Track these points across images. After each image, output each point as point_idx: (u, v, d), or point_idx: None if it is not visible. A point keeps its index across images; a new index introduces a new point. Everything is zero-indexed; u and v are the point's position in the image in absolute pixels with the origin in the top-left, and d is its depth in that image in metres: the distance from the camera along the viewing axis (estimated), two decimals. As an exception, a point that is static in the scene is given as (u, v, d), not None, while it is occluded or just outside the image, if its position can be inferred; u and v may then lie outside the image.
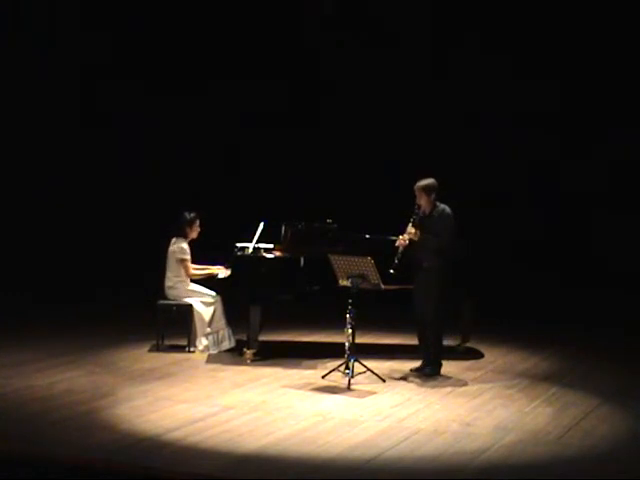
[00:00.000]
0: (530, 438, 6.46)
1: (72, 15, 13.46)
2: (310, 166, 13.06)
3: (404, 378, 8.19)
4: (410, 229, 8.15)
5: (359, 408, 7.16)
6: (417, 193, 8.23)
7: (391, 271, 7.97)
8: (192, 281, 9.32)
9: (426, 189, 8.22)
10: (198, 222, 9.34)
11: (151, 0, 13.73)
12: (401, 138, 12.91)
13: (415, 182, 8.27)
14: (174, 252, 9.25)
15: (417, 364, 8.43)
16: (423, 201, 8.23)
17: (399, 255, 8.08)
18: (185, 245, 9.27)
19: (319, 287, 8.70)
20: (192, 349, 9.12)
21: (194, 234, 9.36)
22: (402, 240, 8.14)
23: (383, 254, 8.07)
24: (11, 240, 12.93)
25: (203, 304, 9.20)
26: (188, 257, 9.25)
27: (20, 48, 13.28)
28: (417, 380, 8.14)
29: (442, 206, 8.25)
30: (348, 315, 7.92)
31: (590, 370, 8.73)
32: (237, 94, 13.61)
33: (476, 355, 9.28)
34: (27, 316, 10.80)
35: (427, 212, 8.25)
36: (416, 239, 8.12)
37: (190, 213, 9.34)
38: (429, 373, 8.27)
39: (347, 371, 7.90)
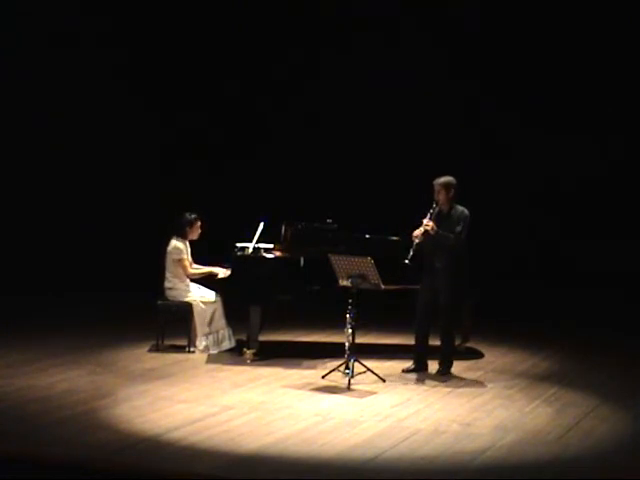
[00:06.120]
0: (530, 438, 6.46)
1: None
2: (310, 166, 13.05)
3: (404, 378, 8.20)
4: (427, 222, 8.07)
5: (359, 408, 7.16)
6: (436, 189, 8.18)
7: (406, 261, 7.93)
8: (192, 281, 9.32)
9: (446, 186, 8.18)
10: (199, 223, 9.33)
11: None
12: (401, 138, 12.91)
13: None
14: (170, 253, 9.24)
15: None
16: (442, 197, 8.18)
17: (415, 247, 8.02)
18: (181, 244, 9.24)
19: (319, 287, 8.71)
20: (192, 349, 9.12)
21: (194, 235, 9.35)
22: (418, 231, 8.06)
23: (383, 254, 8.08)
24: (10, 241, 12.92)
25: (203, 304, 9.20)
26: (184, 256, 9.23)
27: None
28: (417, 380, 8.14)
29: (461, 208, 8.21)
30: (348, 315, 7.92)
31: (590, 370, 8.73)
32: (237, 94, 13.63)
33: (476, 355, 9.28)
34: (28, 316, 10.80)
35: (445, 210, 8.21)
36: (432, 233, 8.06)
37: (191, 214, 9.34)
38: (444, 372, 8.26)
39: (347, 371, 7.90)
